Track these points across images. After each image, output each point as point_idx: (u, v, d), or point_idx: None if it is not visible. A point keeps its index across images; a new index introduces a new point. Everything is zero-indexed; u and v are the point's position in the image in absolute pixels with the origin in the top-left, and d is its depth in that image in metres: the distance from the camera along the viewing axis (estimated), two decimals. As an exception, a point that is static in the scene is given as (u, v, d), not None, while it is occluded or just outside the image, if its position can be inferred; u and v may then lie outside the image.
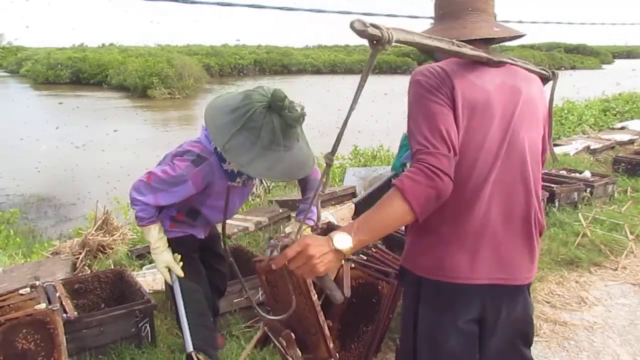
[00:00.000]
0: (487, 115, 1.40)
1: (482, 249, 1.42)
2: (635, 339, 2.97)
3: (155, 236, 2.15)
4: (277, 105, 1.85)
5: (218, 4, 4.59)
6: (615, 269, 3.86)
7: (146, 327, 2.71)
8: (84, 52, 36.56)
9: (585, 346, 2.90)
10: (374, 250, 2.91)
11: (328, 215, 4.30)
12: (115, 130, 14.50)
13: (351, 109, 1.17)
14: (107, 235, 3.97)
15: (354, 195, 4.95)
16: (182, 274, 2.19)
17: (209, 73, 33.26)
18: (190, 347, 2.11)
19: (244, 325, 2.93)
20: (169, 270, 2.19)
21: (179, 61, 28.80)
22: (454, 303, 1.46)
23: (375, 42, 1.10)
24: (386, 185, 3.35)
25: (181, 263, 2.21)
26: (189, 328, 2.16)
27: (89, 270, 3.59)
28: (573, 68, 44.98)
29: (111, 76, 30.45)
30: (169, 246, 2.19)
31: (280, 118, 1.87)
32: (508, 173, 1.43)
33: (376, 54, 1.12)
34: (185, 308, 2.19)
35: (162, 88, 25.86)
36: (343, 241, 1.22)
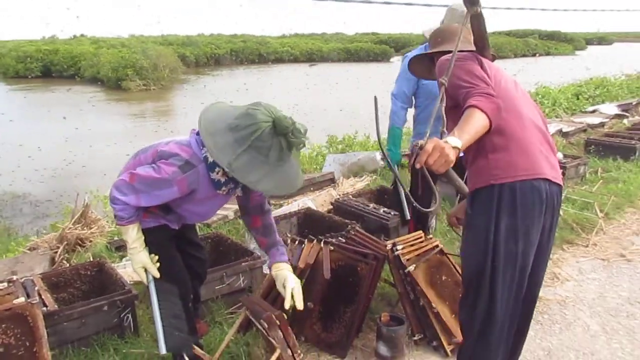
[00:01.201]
0: (502, 75, 2.01)
1: (540, 157, 1.90)
2: (604, 311, 3.09)
3: (134, 236, 2.15)
4: (283, 131, 1.92)
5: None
6: (586, 246, 3.99)
7: (128, 317, 2.72)
8: (54, 45, 35.63)
9: (558, 319, 3.01)
10: (353, 233, 2.96)
11: (307, 201, 4.33)
12: (89, 124, 14.28)
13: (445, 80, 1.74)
14: (85, 228, 3.94)
15: (332, 180, 4.99)
16: (158, 275, 2.21)
17: (185, 63, 32.69)
18: (163, 350, 2.13)
19: (226, 312, 2.96)
20: (145, 270, 2.21)
21: (154, 52, 28.29)
22: (530, 200, 1.86)
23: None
24: (395, 185, 3.55)
25: (158, 264, 2.22)
26: (163, 330, 2.18)
27: (68, 264, 3.57)
28: (548, 54, 45.54)
29: (84, 68, 29.73)
30: (144, 236, 2.20)
31: (285, 139, 1.94)
32: (529, 109, 1.98)
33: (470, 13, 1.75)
34: (159, 309, 2.21)
35: (137, 80, 25.42)
36: (456, 141, 1.59)
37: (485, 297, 1.93)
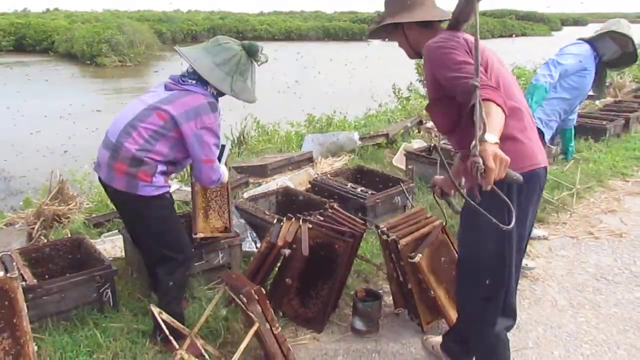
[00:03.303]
0: (488, 54, 1.98)
1: (537, 144, 1.97)
2: (572, 286, 3.22)
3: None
4: (254, 53, 2.47)
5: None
6: (557, 224, 4.12)
7: (107, 292, 2.74)
8: (27, 18, 34.61)
9: (527, 294, 3.13)
10: (331, 211, 3.01)
11: (286, 180, 4.37)
12: (63, 100, 13.97)
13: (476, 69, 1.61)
14: (62, 204, 3.92)
15: (310, 160, 5.03)
16: None
17: (161, 40, 32.13)
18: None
19: (206, 288, 3.00)
20: None
21: (130, 27, 27.72)
22: (533, 188, 1.94)
23: None
24: None
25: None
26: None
27: (46, 240, 3.56)
28: (524, 35, 45.87)
29: (57, 43, 29.04)
30: (168, 202, 2.48)
31: (255, 59, 2.50)
32: (518, 91, 2.02)
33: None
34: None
35: (113, 55, 24.92)
36: (494, 137, 1.56)
37: (499, 281, 1.99)
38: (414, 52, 2.18)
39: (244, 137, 7.13)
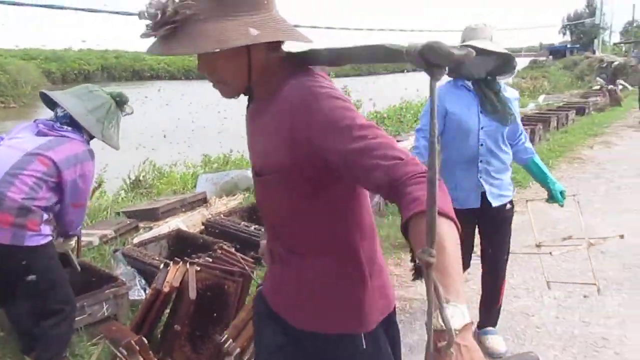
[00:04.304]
0: None
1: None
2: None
3: None
4: (124, 103, 2.62)
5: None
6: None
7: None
8: None
9: (419, 316, 3.32)
10: (220, 251, 2.98)
11: (178, 222, 4.26)
12: None
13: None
14: None
15: (204, 200, 4.95)
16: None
17: (50, 79, 30.51)
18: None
19: (89, 344, 2.81)
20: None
21: (13, 66, 26.08)
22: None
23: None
24: None
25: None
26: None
27: None
28: (414, 70, 48.94)
29: None
30: (54, 251, 2.40)
31: (122, 110, 2.64)
32: None
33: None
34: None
35: (-7, 96, 23.24)
36: (466, 316, 0.83)
37: None
38: (245, 86, 1.25)
39: (139, 180, 6.90)
